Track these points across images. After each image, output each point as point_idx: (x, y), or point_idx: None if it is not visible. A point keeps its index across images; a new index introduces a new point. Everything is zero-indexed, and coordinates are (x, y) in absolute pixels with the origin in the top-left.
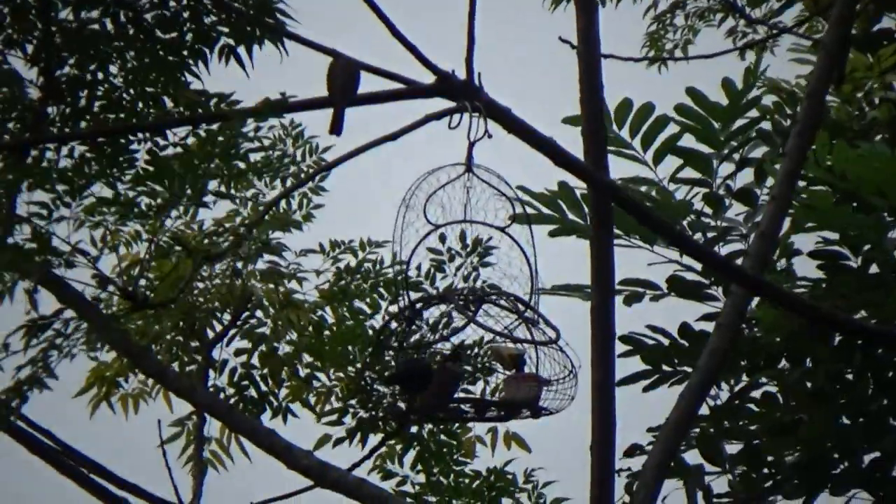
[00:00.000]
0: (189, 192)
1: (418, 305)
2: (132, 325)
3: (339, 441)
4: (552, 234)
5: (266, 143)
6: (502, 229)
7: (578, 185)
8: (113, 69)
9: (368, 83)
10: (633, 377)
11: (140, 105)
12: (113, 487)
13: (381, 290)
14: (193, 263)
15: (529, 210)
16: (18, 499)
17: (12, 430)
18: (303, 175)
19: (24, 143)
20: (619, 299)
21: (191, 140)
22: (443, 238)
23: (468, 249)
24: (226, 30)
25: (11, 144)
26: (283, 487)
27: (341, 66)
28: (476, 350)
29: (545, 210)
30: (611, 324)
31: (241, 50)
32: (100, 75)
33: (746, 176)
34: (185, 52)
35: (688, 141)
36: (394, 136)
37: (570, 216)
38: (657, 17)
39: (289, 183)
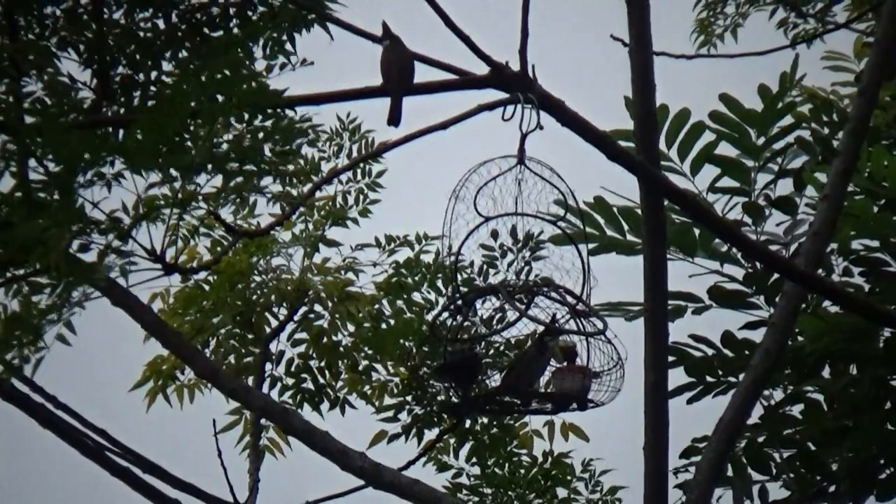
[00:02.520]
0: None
1: (469, 297)
2: (187, 318)
3: (394, 437)
4: (592, 252)
5: (322, 136)
6: (554, 222)
7: (615, 202)
8: (167, 68)
9: (422, 74)
10: (677, 390)
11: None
12: (167, 488)
13: (440, 283)
14: (233, 240)
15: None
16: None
17: (62, 429)
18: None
19: (82, 125)
20: None
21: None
22: (495, 234)
23: (519, 244)
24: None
25: (72, 125)
26: (338, 485)
27: (396, 55)
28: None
29: (588, 229)
30: (664, 327)
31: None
32: (153, 75)
33: (785, 185)
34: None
35: (725, 149)
36: (445, 125)
37: (609, 232)
38: (707, 4)
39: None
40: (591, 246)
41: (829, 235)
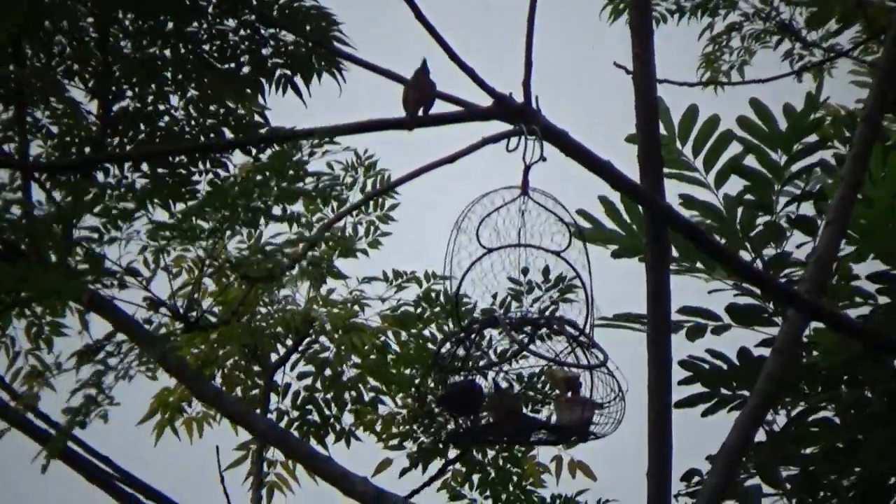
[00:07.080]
0: (244, 215)
1: (472, 328)
2: (193, 350)
3: (404, 471)
4: (615, 254)
5: (337, 167)
6: (558, 253)
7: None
8: (173, 100)
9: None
10: (691, 399)
11: (201, 137)
12: None
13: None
14: (248, 287)
15: (592, 225)
16: None
17: (69, 457)
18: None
19: (87, 161)
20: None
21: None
22: (525, 270)
23: (549, 284)
24: (281, 62)
25: (77, 163)
26: None
27: (425, 81)
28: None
29: (609, 224)
30: (667, 353)
31: (298, 79)
32: (160, 107)
33: (807, 205)
34: (243, 83)
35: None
36: (451, 159)
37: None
38: (713, 38)
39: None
40: (613, 248)
41: (833, 261)
